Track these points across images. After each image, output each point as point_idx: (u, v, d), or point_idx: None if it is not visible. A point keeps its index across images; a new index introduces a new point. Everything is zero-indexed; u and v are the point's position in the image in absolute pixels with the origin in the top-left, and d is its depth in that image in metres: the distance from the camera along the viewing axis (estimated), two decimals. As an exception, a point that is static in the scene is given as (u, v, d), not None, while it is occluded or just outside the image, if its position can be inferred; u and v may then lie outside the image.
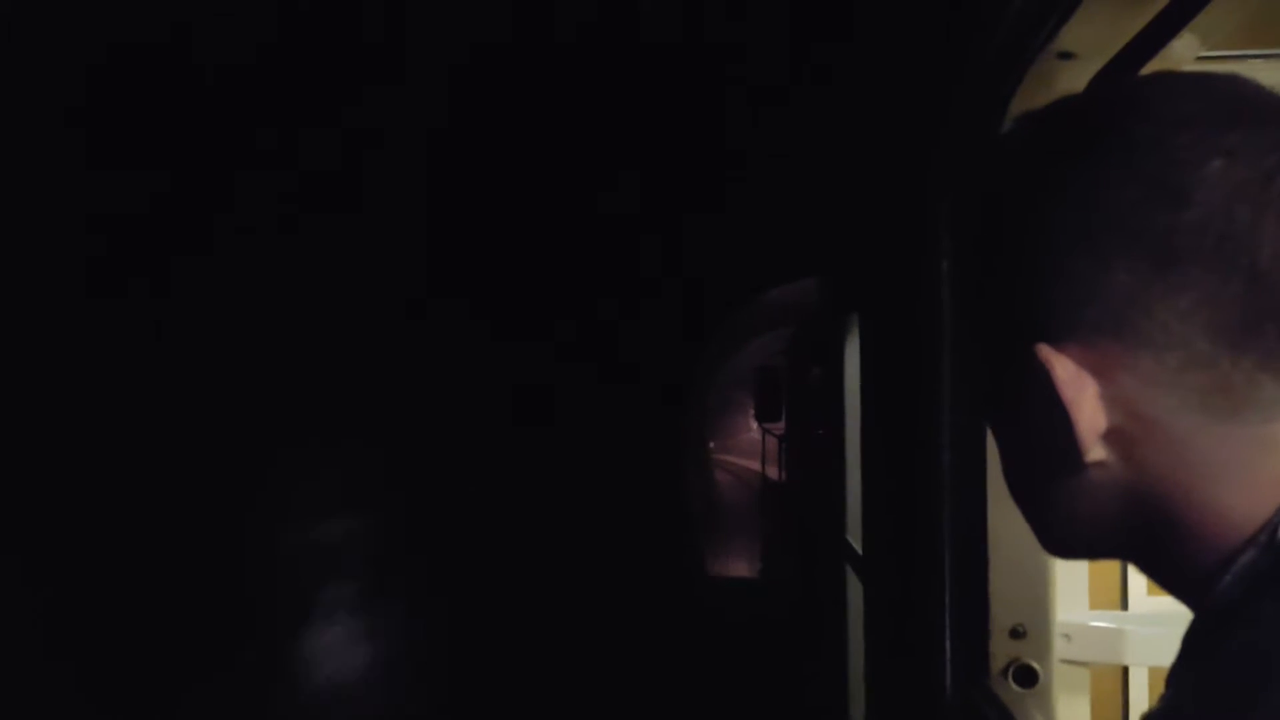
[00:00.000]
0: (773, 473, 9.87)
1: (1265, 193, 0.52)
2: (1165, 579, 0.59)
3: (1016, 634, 1.56)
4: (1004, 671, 1.56)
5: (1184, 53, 1.21)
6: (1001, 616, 1.57)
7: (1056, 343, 0.56)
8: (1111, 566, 1.87)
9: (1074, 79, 1.36)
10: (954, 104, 1.62)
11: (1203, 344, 0.53)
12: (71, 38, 3.37)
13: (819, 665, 4.33)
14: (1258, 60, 1.40)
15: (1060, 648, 1.59)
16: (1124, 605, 1.88)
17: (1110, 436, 0.56)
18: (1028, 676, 1.55)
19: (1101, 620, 1.70)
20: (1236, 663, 0.51)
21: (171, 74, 3.78)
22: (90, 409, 3.91)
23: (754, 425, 10.24)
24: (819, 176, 3.75)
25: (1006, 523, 1.54)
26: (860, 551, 2.86)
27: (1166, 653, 0.56)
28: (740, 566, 9.62)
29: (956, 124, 1.61)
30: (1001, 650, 1.56)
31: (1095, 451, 0.56)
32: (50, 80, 3.47)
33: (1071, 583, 1.67)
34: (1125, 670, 1.87)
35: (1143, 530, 0.58)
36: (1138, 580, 1.87)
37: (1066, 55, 1.33)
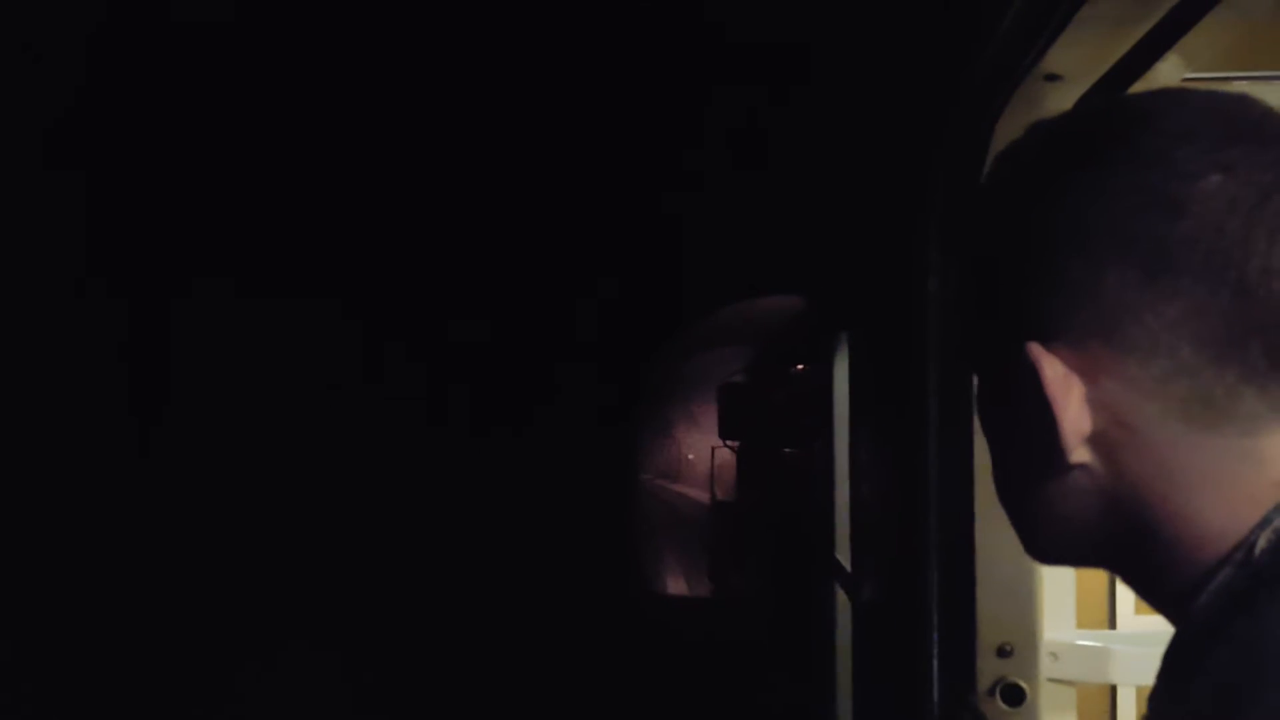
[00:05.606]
0: (739, 491, 9.84)
1: (1258, 209, 0.52)
2: (1144, 589, 0.60)
3: (1004, 652, 1.56)
4: (991, 690, 1.56)
5: (1169, 75, 1.23)
6: (989, 635, 1.57)
7: (1047, 343, 0.56)
8: (1099, 585, 1.87)
9: (1061, 100, 1.37)
10: (943, 124, 1.63)
11: (1188, 353, 0.54)
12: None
13: (795, 682, 4.31)
14: (1242, 82, 1.42)
15: (1047, 666, 1.59)
16: (1111, 624, 1.88)
17: (1094, 440, 0.57)
18: (1015, 695, 1.55)
19: (1088, 639, 1.70)
20: (1213, 682, 0.51)
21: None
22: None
23: (716, 441, 10.21)
24: (808, 194, 3.76)
25: (994, 541, 1.54)
26: (849, 569, 2.86)
27: (1153, 672, 0.57)
28: (701, 585, 9.59)
29: (945, 144, 1.62)
30: (988, 668, 1.56)
31: (1078, 454, 0.57)
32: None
33: (1059, 601, 1.67)
34: (1113, 689, 1.87)
35: (1123, 538, 0.58)
36: (1125, 599, 1.87)
37: (1053, 77, 1.34)
